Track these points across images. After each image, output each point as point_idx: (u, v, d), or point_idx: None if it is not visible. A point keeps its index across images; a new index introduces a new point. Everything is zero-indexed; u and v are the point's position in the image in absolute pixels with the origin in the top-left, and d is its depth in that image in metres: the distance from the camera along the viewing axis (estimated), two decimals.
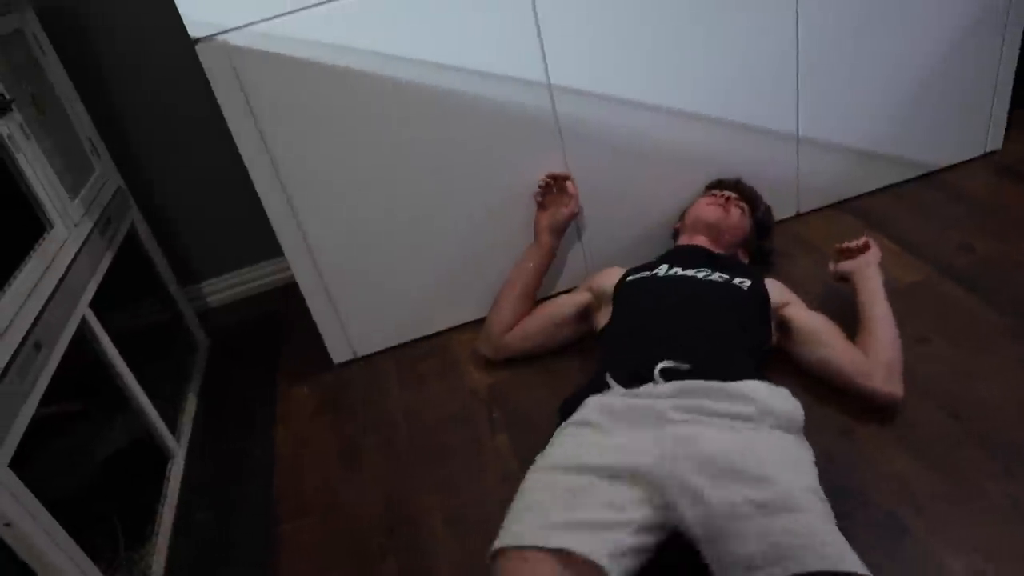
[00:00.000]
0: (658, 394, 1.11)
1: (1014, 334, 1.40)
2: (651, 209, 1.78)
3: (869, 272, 1.43)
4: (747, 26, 1.63)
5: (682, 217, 1.68)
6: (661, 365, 1.14)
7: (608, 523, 0.97)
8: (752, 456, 1.00)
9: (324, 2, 1.38)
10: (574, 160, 1.66)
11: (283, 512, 1.40)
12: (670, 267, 1.43)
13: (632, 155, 1.70)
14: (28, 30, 1.51)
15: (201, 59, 1.37)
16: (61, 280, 1.25)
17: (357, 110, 1.49)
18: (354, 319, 1.74)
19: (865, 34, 1.71)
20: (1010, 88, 1.91)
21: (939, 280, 1.59)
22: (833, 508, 0.96)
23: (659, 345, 1.20)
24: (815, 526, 0.91)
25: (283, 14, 1.37)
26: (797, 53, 1.69)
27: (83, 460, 1.41)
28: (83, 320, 1.29)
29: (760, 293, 1.38)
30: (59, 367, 1.15)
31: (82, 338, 1.28)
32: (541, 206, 1.67)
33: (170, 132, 1.95)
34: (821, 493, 0.97)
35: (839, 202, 1.96)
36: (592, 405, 1.16)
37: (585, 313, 1.57)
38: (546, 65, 1.54)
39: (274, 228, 1.58)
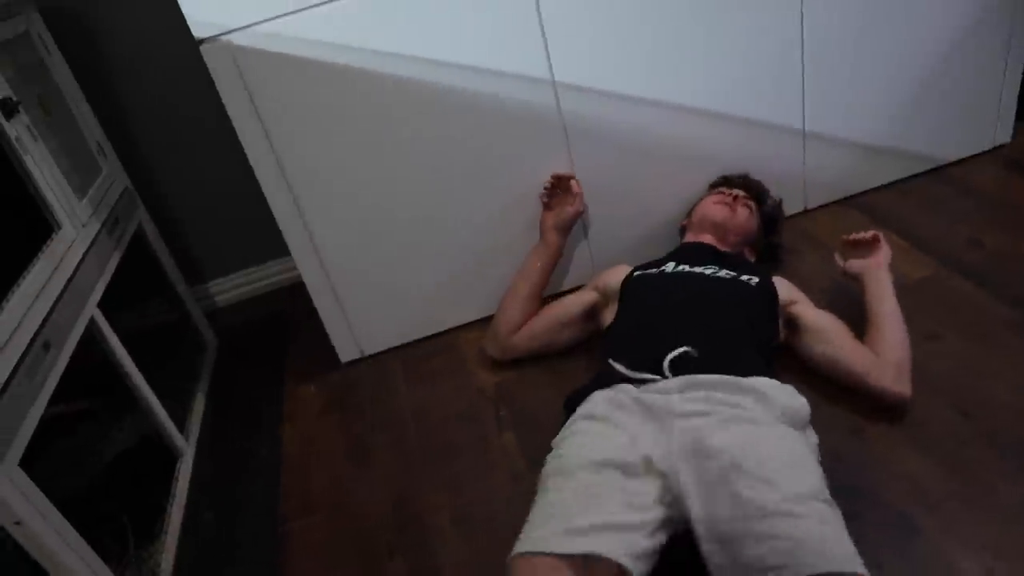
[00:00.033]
0: (666, 389, 1.11)
1: None
2: (657, 206, 1.77)
3: (879, 273, 1.42)
4: (752, 21, 1.62)
5: (689, 214, 1.67)
6: (672, 355, 1.14)
7: (629, 524, 0.96)
8: (757, 454, 0.99)
9: (327, 1, 1.38)
10: (579, 158, 1.66)
11: (290, 511, 1.41)
12: (677, 264, 1.43)
13: (638, 152, 1.69)
14: (34, 32, 1.51)
15: (206, 59, 1.37)
16: (69, 280, 1.25)
17: (362, 109, 1.49)
18: (361, 318, 1.74)
19: (871, 26, 1.70)
20: (1019, 80, 1.89)
21: (948, 275, 1.58)
22: (843, 508, 0.95)
23: (666, 340, 1.19)
24: (814, 530, 0.90)
25: (287, 13, 1.37)
26: (802, 47, 1.68)
27: (92, 459, 1.41)
28: (91, 320, 1.29)
29: (768, 290, 1.37)
30: (68, 367, 1.15)
31: (90, 338, 1.29)
32: (547, 206, 1.67)
33: (176, 132, 1.96)
34: (826, 492, 0.96)
35: (846, 198, 1.94)
36: (598, 399, 1.15)
37: (592, 312, 1.56)
38: (550, 62, 1.53)
39: (280, 227, 1.58)
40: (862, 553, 0.88)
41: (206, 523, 1.41)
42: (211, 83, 1.40)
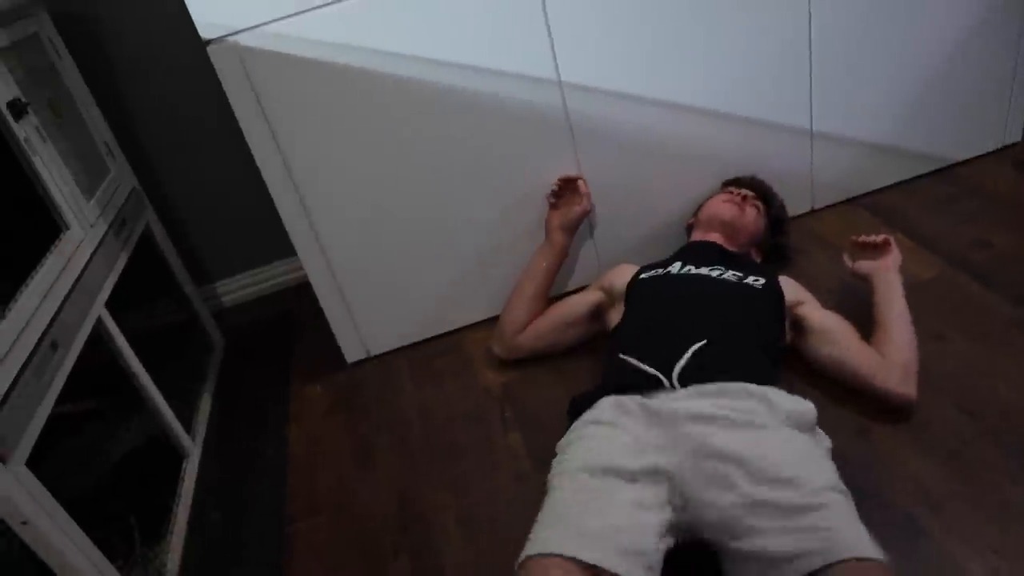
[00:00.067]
0: (674, 397, 1.11)
1: None
2: (664, 206, 1.77)
3: (888, 276, 1.41)
4: (760, 21, 1.62)
5: (696, 213, 1.67)
6: (679, 366, 1.13)
7: (638, 527, 0.96)
8: (768, 455, 1.00)
9: (333, 2, 1.38)
10: (585, 158, 1.66)
11: (296, 511, 1.41)
12: (683, 265, 1.42)
13: (644, 152, 1.69)
14: (44, 35, 1.52)
15: (213, 60, 1.38)
16: (77, 280, 1.26)
17: (368, 109, 1.50)
18: (367, 318, 1.75)
19: (878, 25, 1.69)
20: None
21: (955, 276, 1.57)
22: None
23: (672, 344, 1.19)
24: (835, 521, 0.91)
25: (294, 14, 1.38)
26: (810, 46, 1.68)
27: (99, 459, 1.42)
28: (99, 320, 1.30)
29: (775, 291, 1.37)
30: (75, 367, 1.16)
31: (98, 338, 1.30)
32: (553, 205, 1.67)
33: (184, 133, 1.97)
34: (840, 484, 0.97)
35: (853, 197, 1.94)
36: (606, 405, 1.15)
37: (597, 312, 1.56)
38: (556, 63, 1.53)
39: (287, 228, 1.59)
40: None
41: (212, 523, 1.42)
42: (218, 85, 1.41)
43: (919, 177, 1.95)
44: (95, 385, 1.38)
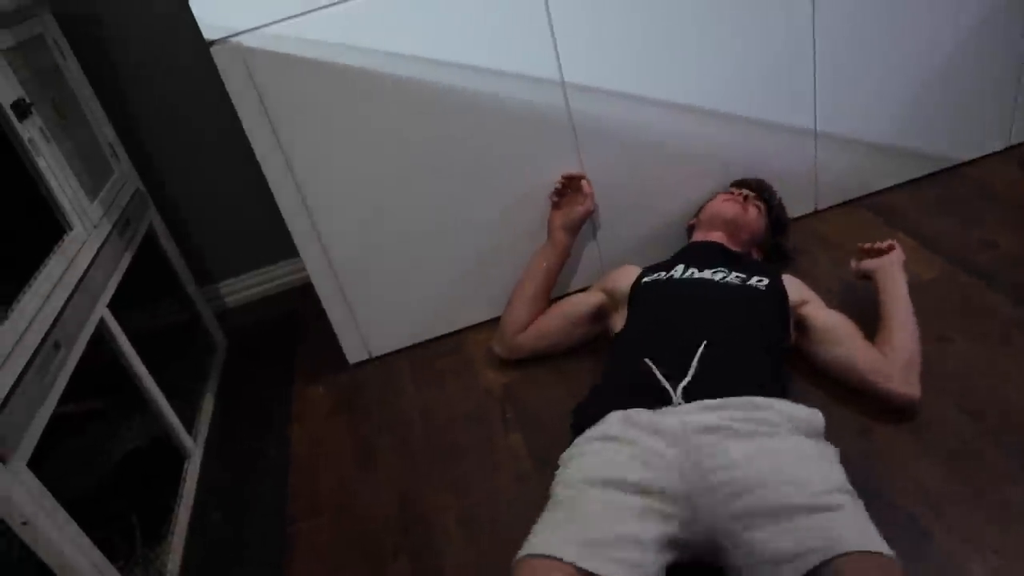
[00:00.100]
0: (684, 411, 1.09)
1: None
2: (667, 207, 1.77)
3: (893, 272, 1.40)
4: (764, 21, 1.61)
5: (697, 213, 1.66)
6: (684, 382, 1.12)
7: (642, 539, 0.96)
8: (777, 460, 1.00)
9: (336, 3, 1.39)
10: (588, 158, 1.65)
11: (297, 511, 1.41)
12: (686, 268, 1.41)
13: (647, 152, 1.69)
14: (49, 36, 1.53)
15: (216, 61, 1.39)
16: (80, 281, 1.26)
17: (370, 110, 1.50)
18: (369, 319, 1.75)
19: (882, 24, 1.69)
20: None
21: (960, 276, 1.56)
22: None
23: (677, 352, 1.18)
24: (844, 520, 0.91)
25: (297, 15, 1.38)
26: (814, 46, 1.67)
27: (101, 459, 1.43)
28: (101, 320, 1.30)
29: (778, 291, 1.36)
30: (77, 367, 1.16)
31: (100, 338, 1.30)
32: (556, 205, 1.67)
33: (187, 134, 1.97)
34: (848, 486, 0.98)
35: (858, 198, 1.93)
36: (614, 420, 1.13)
37: (600, 313, 1.56)
38: (559, 63, 1.53)
39: (289, 228, 1.59)
40: None
41: (214, 523, 1.42)
42: (221, 85, 1.41)
43: (924, 177, 1.94)
44: (97, 385, 1.38)
